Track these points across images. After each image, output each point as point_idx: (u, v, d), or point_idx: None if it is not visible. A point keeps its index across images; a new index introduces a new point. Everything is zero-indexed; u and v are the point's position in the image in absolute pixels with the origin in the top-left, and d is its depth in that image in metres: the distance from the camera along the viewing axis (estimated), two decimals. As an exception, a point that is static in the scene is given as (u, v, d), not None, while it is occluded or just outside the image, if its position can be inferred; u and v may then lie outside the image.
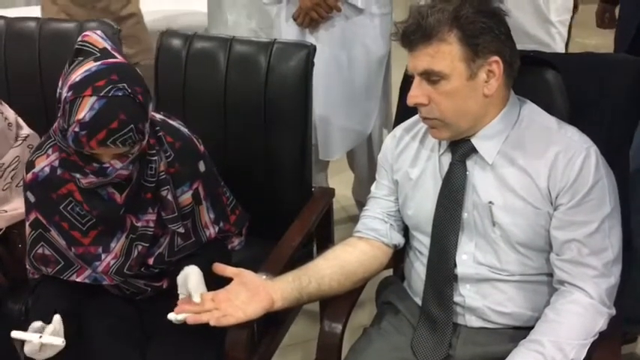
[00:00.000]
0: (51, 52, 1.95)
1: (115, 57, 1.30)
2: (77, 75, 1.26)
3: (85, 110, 1.23)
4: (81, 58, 1.28)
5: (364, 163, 2.43)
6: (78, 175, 1.35)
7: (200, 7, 2.93)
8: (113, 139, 1.26)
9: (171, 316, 1.33)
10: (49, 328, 1.31)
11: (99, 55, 1.28)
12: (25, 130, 1.76)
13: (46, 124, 1.88)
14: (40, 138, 1.70)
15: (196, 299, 1.34)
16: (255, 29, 2.40)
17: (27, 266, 1.50)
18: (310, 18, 2.06)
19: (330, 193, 1.93)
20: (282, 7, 2.17)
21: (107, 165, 1.32)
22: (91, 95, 1.23)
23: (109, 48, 1.31)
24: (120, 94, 1.25)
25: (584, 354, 1.21)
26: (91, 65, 1.26)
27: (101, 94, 1.24)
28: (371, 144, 2.38)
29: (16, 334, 1.30)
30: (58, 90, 1.29)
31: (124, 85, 1.26)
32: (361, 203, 2.42)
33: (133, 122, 1.27)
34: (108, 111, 1.24)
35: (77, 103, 1.24)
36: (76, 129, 1.24)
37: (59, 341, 1.30)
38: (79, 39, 1.31)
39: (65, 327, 1.34)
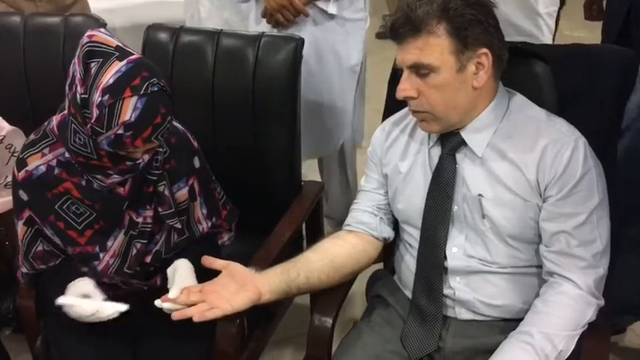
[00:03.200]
0: (36, 48, 1.93)
1: (132, 52, 1.29)
2: (108, 77, 1.23)
3: (129, 111, 1.23)
4: (100, 60, 1.25)
5: (337, 180, 2.35)
6: (99, 177, 1.35)
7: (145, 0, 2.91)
8: (157, 133, 1.27)
9: (158, 302, 1.33)
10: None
11: (118, 53, 1.26)
12: (4, 129, 1.72)
13: (31, 119, 1.87)
14: (25, 132, 1.69)
15: (171, 294, 1.33)
16: (227, 19, 2.37)
17: (23, 270, 1.48)
18: (276, 20, 1.99)
19: (320, 186, 1.92)
20: (252, 7, 2.10)
21: (140, 161, 1.34)
22: (131, 96, 1.23)
23: (121, 45, 1.29)
24: (156, 89, 1.26)
25: (573, 345, 1.22)
26: (118, 65, 1.24)
27: (141, 93, 1.23)
28: (344, 161, 2.31)
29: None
30: (80, 95, 1.26)
31: (155, 79, 1.26)
32: (332, 218, 2.38)
33: (170, 114, 1.29)
34: (151, 108, 1.24)
35: (118, 106, 1.22)
36: (120, 131, 1.23)
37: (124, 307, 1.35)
38: (86, 40, 1.28)
39: None
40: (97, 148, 1.29)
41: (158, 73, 1.29)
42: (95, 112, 1.24)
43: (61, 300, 1.34)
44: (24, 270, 1.49)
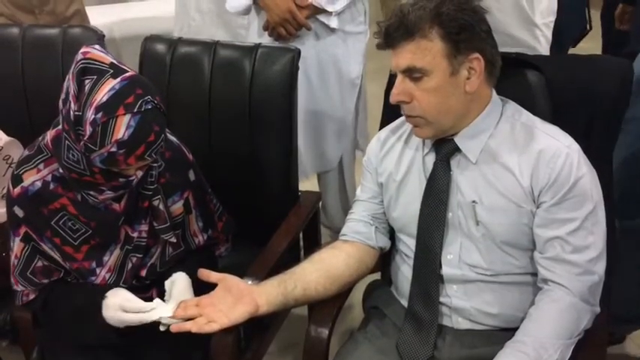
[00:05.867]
0: (35, 59, 1.93)
1: (127, 70, 1.29)
2: (102, 95, 1.23)
3: (122, 129, 1.22)
4: (93, 77, 1.25)
5: (335, 190, 2.35)
6: (93, 193, 1.35)
7: (143, 14, 2.91)
8: (150, 151, 1.26)
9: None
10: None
11: (112, 71, 1.26)
12: (2, 140, 1.72)
13: (30, 131, 1.87)
14: (23, 144, 1.69)
15: (169, 308, 1.33)
16: (215, 35, 2.37)
17: (18, 288, 1.46)
18: (278, 34, 1.99)
19: (317, 197, 1.92)
20: (252, 20, 2.11)
21: (133, 177, 1.33)
22: (124, 114, 1.22)
23: (115, 62, 1.29)
24: (150, 107, 1.25)
25: (569, 353, 1.21)
26: (112, 83, 1.24)
27: (134, 111, 1.23)
28: (342, 171, 2.32)
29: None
30: (74, 112, 1.26)
31: (149, 97, 1.26)
32: (331, 229, 2.39)
33: (163, 132, 1.28)
34: (144, 126, 1.24)
35: (111, 123, 1.22)
36: (113, 149, 1.23)
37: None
38: (81, 57, 1.28)
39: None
40: (90, 165, 1.29)
41: (153, 91, 1.28)
42: (88, 130, 1.24)
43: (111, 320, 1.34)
44: (18, 288, 1.46)
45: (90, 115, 1.23)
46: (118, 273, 1.44)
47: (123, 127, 1.23)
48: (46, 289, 1.46)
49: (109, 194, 1.35)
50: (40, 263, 1.44)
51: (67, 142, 1.31)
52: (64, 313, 1.43)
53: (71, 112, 1.27)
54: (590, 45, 2.94)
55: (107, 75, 1.25)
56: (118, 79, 1.25)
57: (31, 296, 1.47)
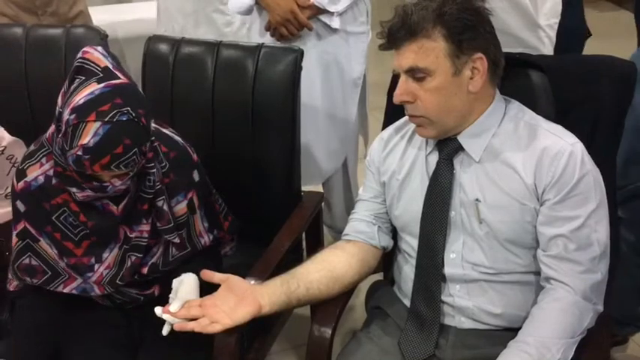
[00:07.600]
0: (38, 59, 1.94)
1: (118, 77, 1.28)
2: (80, 97, 1.23)
3: (89, 136, 1.22)
4: (82, 78, 1.26)
5: (339, 190, 2.35)
6: (74, 189, 1.35)
7: (147, 14, 2.92)
8: (117, 163, 1.25)
9: (158, 310, 1.33)
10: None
11: (101, 75, 1.26)
12: (5, 139, 1.72)
13: (33, 131, 1.87)
14: (26, 144, 1.69)
15: (173, 307, 1.33)
16: (202, 37, 2.37)
17: (9, 276, 1.48)
18: (280, 34, 2.00)
19: (320, 197, 1.92)
20: (254, 20, 2.11)
21: (107, 184, 1.32)
22: (95, 121, 1.22)
23: (110, 67, 1.29)
24: (124, 118, 1.23)
25: (571, 353, 1.21)
26: (94, 87, 1.24)
27: (105, 120, 1.22)
28: (347, 171, 2.31)
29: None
30: (58, 108, 1.27)
31: (128, 108, 1.24)
32: (334, 229, 2.39)
33: (136, 146, 1.26)
34: (112, 136, 1.23)
35: (81, 127, 1.22)
36: (79, 152, 1.23)
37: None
38: (80, 55, 1.28)
39: (43, 340, 1.39)
40: (67, 162, 1.29)
41: (134, 103, 1.26)
42: (63, 128, 1.25)
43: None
44: (9, 275, 1.48)
45: (66, 114, 1.24)
46: (116, 270, 1.43)
47: (90, 133, 1.22)
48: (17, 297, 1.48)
49: (88, 193, 1.34)
50: (27, 261, 1.43)
51: (54, 134, 1.32)
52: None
53: (57, 108, 1.28)
54: (597, 44, 2.95)
55: (94, 79, 1.25)
56: (102, 85, 1.25)
57: (11, 288, 1.49)
